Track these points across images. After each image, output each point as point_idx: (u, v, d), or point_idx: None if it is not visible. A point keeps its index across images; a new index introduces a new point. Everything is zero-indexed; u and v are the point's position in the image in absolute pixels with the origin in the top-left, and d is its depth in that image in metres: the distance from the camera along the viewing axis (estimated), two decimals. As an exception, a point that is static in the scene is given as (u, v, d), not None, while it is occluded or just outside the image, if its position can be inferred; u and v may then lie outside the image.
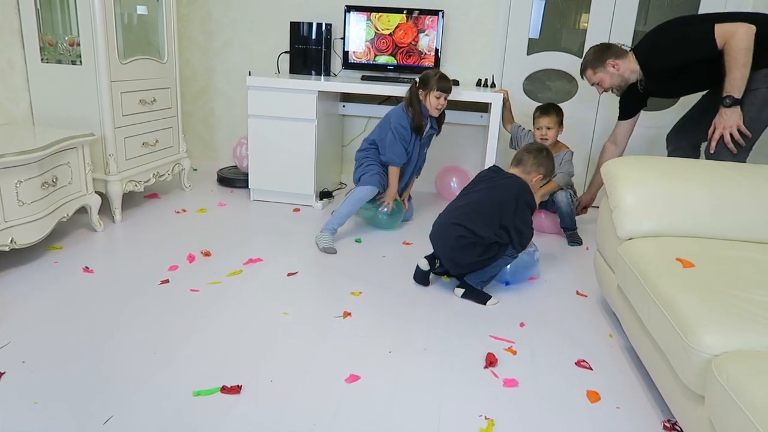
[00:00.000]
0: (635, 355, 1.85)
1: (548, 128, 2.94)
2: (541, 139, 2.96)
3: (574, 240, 2.91)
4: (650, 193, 1.82)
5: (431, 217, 3.14)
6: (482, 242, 2.12)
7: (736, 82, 2.24)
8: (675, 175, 1.85)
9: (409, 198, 3.12)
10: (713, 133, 2.33)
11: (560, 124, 2.98)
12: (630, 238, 1.83)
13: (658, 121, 3.43)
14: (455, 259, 2.17)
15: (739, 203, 1.77)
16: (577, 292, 2.34)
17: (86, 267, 2.28)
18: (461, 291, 2.21)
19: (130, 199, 3.12)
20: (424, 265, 2.29)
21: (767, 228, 1.75)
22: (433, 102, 2.75)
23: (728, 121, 2.28)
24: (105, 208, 2.80)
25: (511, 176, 2.25)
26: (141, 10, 3.08)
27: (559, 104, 3.15)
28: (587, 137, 3.50)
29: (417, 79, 2.80)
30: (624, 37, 3.29)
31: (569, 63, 3.41)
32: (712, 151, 2.36)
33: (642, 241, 1.77)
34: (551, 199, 2.93)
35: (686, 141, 2.72)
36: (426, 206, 3.40)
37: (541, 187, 2.45)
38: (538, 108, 3.01)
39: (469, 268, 2.19)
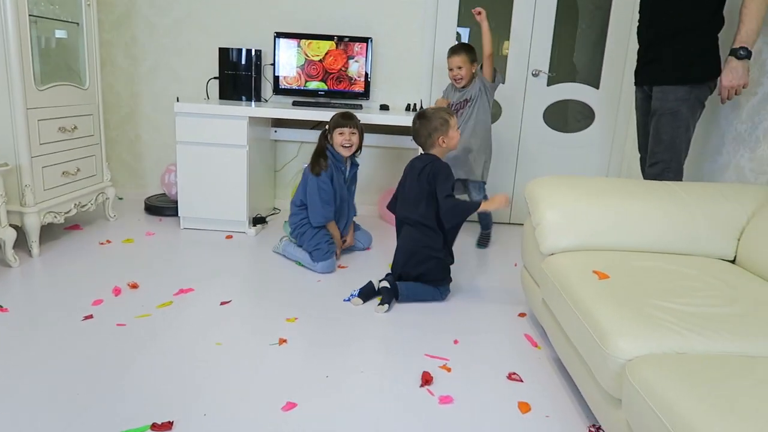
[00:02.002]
0: (561, 365, 1.94)
1: (459, 68, 2.96)
2: (455, 79, 3.00)
3: (482, 243, 3.12)
4: (568, 210, 1.94)
5: (374, 241, 3.19)
6: (434, 254, 2.38)
7: (752, 34, 2.11)
8: (590, 194, 1.98)
9: (356, 228, 3.07)
10: (722, 90, 2.22)
11: (473, 62, 2.99)
12: (552, 254, 1.93)
13: (578, 141, 3.65)
14: (409, 264, 2.40)
15: (647, 217, 1.92)
16: (507, 307, 2.42)
17: (0, 306, 2.14)
18: (385, 283, 2.37)
19: (48, 232, 2.96)
20: (377, 283, 2.40)
21: (673, 239, 1.90)
22: (337, 139, 2.72)
23: (740, 79, 2.16)
24: (21, 242, 2.64)
25: (423, 158, 2.44)
26: (60, 33, 2.97)
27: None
28: (513, 149, 3.67)
29: (326, 127, 2.80)
30: (542, 63, 3.50)
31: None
32: (723, 103, 2.29)
33: (562, 255, 1.87)
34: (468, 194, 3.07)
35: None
36: (369, 230, 3.42)
37: (450, 133, 2.43)
38: (449, 49, 3.03)
39: (416, 275, 2.40)
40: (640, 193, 1.98)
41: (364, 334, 2.10)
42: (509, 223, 3.72)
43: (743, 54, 2.14)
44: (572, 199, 1.97)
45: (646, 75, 2.49)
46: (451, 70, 3.01)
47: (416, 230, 2.39)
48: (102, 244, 2.89)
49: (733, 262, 1.91)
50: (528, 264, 2.18)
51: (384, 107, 3.44)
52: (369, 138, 3.56)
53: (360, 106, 3.32)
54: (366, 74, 3.37)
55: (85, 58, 2.98)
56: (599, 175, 3.68)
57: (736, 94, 2.22)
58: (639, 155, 2.71)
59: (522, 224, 3.43)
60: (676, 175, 2.38)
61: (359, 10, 3.48)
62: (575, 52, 3.61)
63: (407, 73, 3.57)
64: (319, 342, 2.02)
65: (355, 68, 3.37)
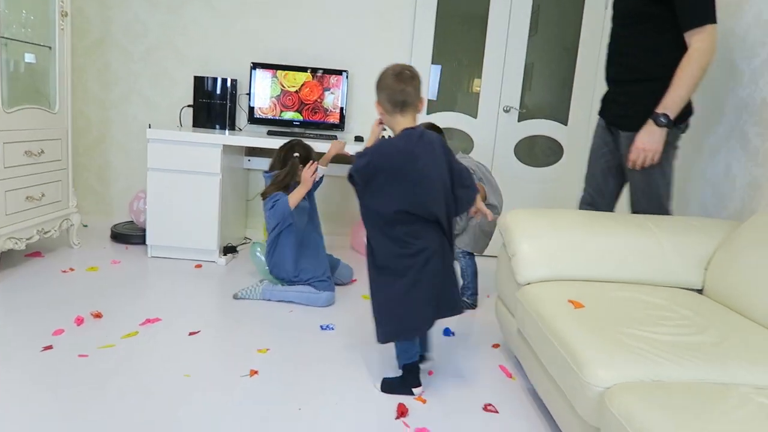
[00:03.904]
0: (537, 396, 1.94)
1: None
2: None
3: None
4: (543, 241, 1.96)
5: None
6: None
7: (678, 101, 1.93)
8: (564, 225, 2.02)
9: (336, 264, 2.94)
10: (632, 151, 2.05)
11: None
12: (528, 284, 1.94)
13: (548, 175, 3.73)
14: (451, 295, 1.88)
15: (618, 249, 1.96)
16: (481, 339, 2.42)
17: (-48, 335, 2.03)
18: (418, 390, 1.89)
19: (8, 258, 2.84)
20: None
21: (644, 270, 1.94)
22: (311, 170, 2.61)
23: (654, 144, 1.98)
24: (-22, 269, 2.53)
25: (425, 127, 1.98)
26: (29, 58, 2.92)
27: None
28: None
29: (298, 155, 2.67)
30: (512, 100, 3.60)
31: (465, 122, 3.65)
32: (632, 167, 2.08)
33: (538, 285, 1.89)
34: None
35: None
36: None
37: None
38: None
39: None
40: (612, 226, 2.02)
41: (337, 366, 2.05)
42: (482, 255, 3.74)
43: (663, 122, 1.96)
44: (547, 230, 2.00)
45: (609, 113, 2.31)
46: None
47: (445, 238, 1.84)
48: (64, 272, 2.79)
49: (700, 290, 1.96)
50: (503, 294, 2.19)
51: (359, 138, 3.47)
52: (342, 168, 3.57)
53: (335, 137, 3.34)
54: (341, 107, 3.41)
55: (56, 82, 2.93)
56: (567, 209, 3.75)
57: (643, 163, 2.04)
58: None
59: (495, 256, 3.47)
60: None
61: (336, 44, 3.54)
62: (544, 90, 3.74)
63: (382, 106, 3.62)
64: (291, 373, 1.96)
65: (331, 100, 3.41)
